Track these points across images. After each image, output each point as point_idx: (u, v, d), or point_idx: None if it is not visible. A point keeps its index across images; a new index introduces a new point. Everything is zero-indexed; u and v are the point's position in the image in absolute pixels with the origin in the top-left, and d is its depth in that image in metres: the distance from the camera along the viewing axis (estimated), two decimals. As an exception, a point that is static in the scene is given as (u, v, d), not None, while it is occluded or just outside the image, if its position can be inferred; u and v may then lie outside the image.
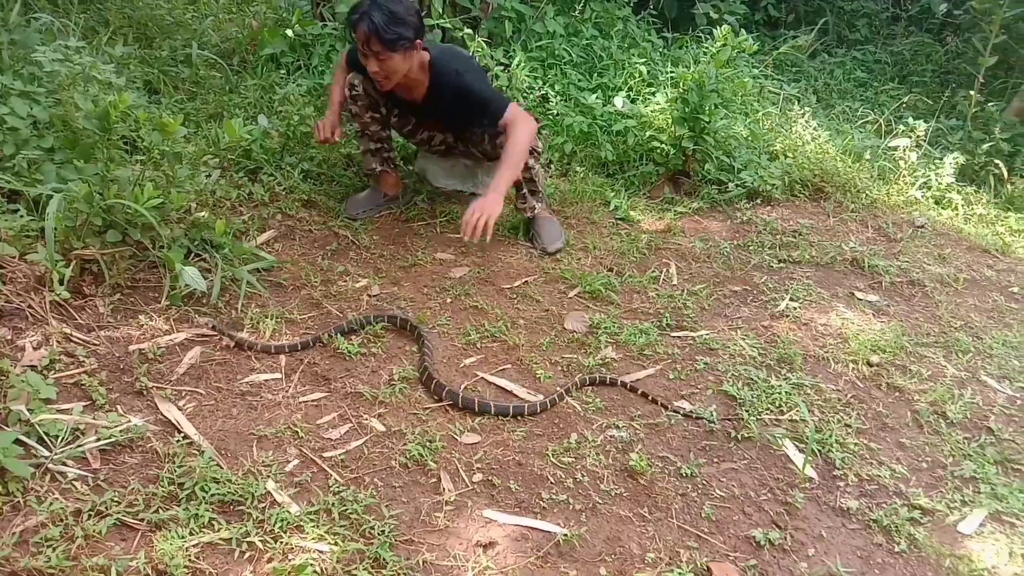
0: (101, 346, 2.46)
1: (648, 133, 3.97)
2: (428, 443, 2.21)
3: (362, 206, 3.48)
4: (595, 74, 4.44)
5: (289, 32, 4.21)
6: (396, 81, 3.06)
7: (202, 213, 3.05)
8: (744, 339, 2.84)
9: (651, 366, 2.66)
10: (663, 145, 3.89)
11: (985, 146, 4.88)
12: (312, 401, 2.35)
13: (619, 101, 4.12)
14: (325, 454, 2.15)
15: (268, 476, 2.04)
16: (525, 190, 3.39)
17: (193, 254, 2.89)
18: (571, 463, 2.21)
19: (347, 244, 3.25)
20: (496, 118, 3.08)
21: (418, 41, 2.99)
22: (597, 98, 4.16)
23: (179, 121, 2.76)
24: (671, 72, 4.19)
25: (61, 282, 2.51)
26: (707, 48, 4.41)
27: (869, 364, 2.76)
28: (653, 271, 3.27)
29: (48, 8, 4.41)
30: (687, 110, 3.80)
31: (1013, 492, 2.28)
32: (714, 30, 4.49)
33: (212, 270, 2.81)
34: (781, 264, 3.40)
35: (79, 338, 2.45)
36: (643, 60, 4.52)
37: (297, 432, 2.21)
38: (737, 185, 3.88)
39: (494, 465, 2.18)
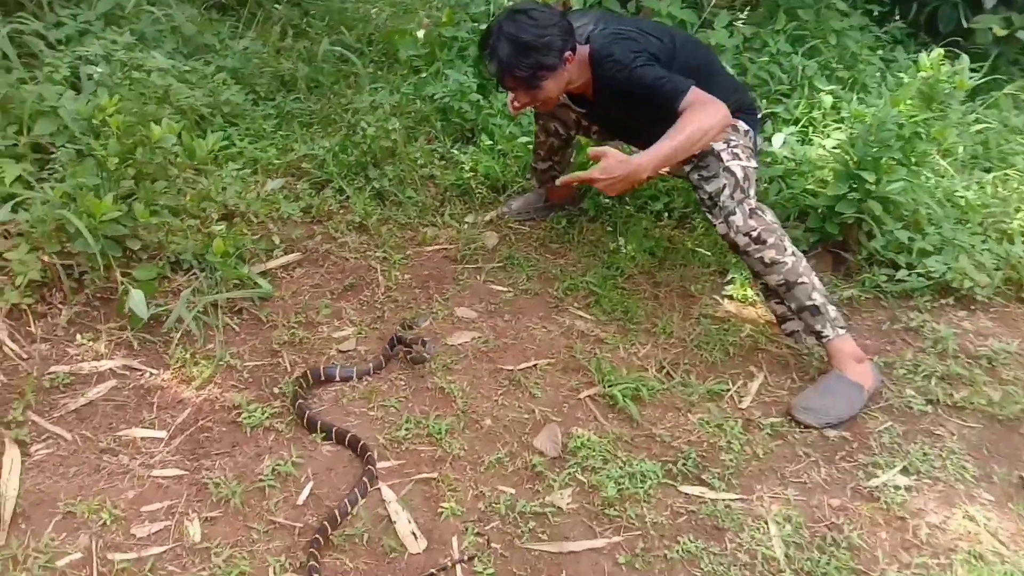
0: (31, 360, 2.33)
1: (804, 186, 2.96)
2: (226, 574, 1.71)
3: (517, 207, 3.23)
4: (766, 99, 3.45)
5: (419, 34, 3.85)
6: (556, 102, 2.61)
7: (220, 227, 2.83)
8: (782, 523, 1.89)
9: (604, 535, 1.86)
10: (818, 205, 2.86)
11: None
12: (162, 478, 1.98)
13: (778, 139, 3.12)
14: (110, 555, 1.76)
15: (26, 570, 1.71)
16: (783, 308, 2.45)
17: (192, 271, 2.68)
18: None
19: (370, 280, 2.81)
20: (671, 105, 2.30)
21: (567, 55, 2.37)
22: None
23: (177, 128, 2.54)
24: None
25: (16, 287, 2.43)
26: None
27: (975, 620, 1.68)
28: (723, 381, 2.37)
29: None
30: (851, 163, 2.74)
31: None
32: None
33: (200, 292, 2.56)
34: (928, 406, 2.28)
35: (10, 349, 2.35)
36: (831, 88, 3.42)
37: (107, 517, 1.84)
38: (918, 274, 2.73)
39: (280, 632, 1.62)
